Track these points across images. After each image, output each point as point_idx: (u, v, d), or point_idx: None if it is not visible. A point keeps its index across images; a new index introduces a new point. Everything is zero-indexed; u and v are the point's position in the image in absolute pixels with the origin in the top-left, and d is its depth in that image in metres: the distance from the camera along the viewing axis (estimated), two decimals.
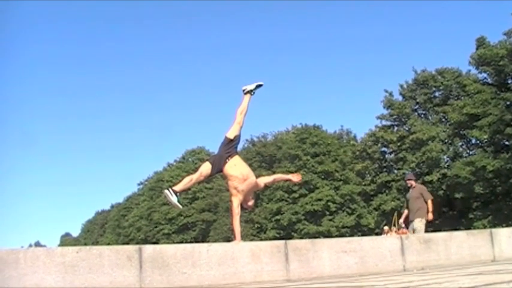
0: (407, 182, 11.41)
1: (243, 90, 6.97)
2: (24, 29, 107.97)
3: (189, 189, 7.01)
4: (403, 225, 11.45)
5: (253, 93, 6.98)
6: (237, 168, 6.50)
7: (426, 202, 10.66)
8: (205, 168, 6.56)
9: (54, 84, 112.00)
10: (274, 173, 41.82)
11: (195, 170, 7.41)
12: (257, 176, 6.84)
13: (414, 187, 11.09)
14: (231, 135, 6.70)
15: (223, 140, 6.70)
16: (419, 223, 10.49)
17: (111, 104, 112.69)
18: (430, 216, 10.56)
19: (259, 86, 7.03)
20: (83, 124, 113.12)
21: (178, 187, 6.44)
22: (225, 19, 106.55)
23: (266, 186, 7.72)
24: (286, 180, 7.71)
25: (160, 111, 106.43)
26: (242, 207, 6.58)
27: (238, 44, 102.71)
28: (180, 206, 6.58)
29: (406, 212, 11.24)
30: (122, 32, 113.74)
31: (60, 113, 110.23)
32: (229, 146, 6.65)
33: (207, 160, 6.82)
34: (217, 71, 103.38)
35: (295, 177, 7.22)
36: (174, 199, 6.30)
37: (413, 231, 10.39)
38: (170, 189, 6.37)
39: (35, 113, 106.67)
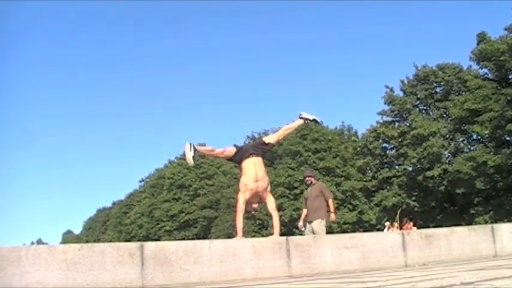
0: (307, 179, 10.43)
1: (300, 115, 7.36)
2: (24, 29, 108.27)
3: (205, 156, 7.41)
4: (302, 225, 10.32)
5: (306, 123, 7.42)
6: (254, 167, 6.61)
7: (327, 201, 9.82)
8: (229, 149, 6.77)
9: (54, 84, 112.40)
10: (275, 169, 41.93)
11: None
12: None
13: (314, 184, 10.15)
14: (266, 139, 7.18)
15: (259, 140, 7.28)
16: (319, 225, 9.59)
17: (113, 102, 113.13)
18: (333, 216, 9.87)
19: (315, 121, 7.43)
20: (84, 122, 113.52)
21: (199, 147, 6.66)
22: (225, 18, 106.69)
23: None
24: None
25: (161, 109, 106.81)
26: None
27: (239, 41, 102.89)
28: (193, 162, 6.59)
29: (304, 211, 10.20)
30: (122, 32, 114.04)
31: (60, 112, 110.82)
32: (259, 147, 6.93)
33: (234, 145, 6.99)
34: (218, 68, 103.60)
35: None
36: (190, 154, 6.44)
37: (313, 233, 9.46)
38: (191, 144, 6.49)
39: (35, 113, 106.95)
